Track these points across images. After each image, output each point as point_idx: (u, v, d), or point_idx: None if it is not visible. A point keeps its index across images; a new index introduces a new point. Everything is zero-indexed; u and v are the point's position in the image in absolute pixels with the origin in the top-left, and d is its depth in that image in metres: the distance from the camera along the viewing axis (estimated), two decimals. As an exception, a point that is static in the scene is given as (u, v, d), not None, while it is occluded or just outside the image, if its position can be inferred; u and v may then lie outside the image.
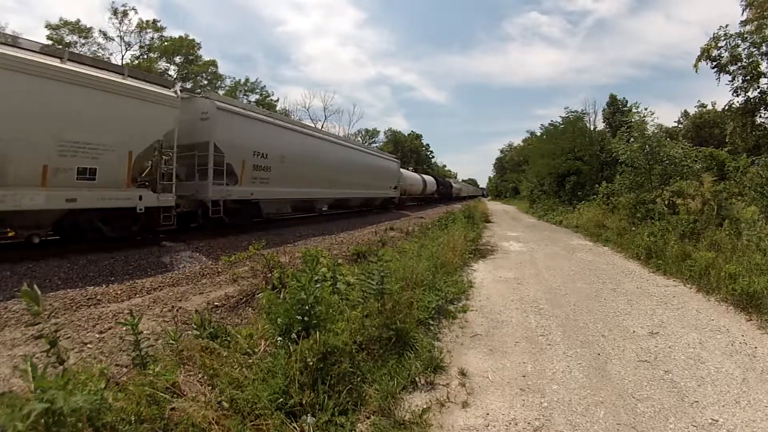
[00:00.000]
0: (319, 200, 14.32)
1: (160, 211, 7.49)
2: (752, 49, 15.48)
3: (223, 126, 8.93)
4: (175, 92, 7.75)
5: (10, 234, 7.20)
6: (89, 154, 6.16)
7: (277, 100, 41.10)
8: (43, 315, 1.85)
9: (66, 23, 28.55)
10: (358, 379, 2.64)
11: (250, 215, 10.53)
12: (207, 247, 7.70)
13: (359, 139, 52.18)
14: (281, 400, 2.26)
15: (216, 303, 4.35)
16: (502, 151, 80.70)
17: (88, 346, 3.12)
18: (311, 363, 2.44)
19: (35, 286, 1.87)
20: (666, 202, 10.67)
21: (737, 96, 16.63)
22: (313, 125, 29.44)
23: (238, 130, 9.41)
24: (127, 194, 6.86)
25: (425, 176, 34.75)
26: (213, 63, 35.85)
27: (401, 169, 26.49)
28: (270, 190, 10.68)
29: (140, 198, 7.03)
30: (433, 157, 72.27)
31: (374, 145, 56.57)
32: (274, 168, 10.58)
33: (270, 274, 4.69)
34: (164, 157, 7.62)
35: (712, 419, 2.46)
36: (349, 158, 16.18)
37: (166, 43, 32.65)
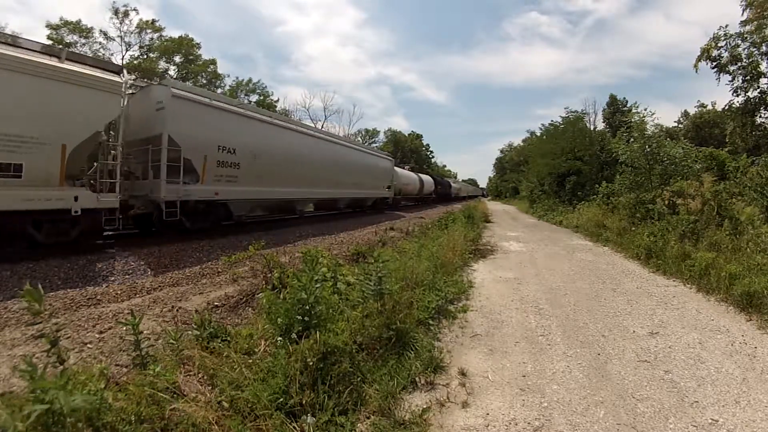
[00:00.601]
0: (300, 201, 13.00)
1: (102, 213, 6.60)
2: (752, 49, 15.50)
3: (180, 116, 7.83)
4: (121, 77, 6.82)
5: None
6: (10, 148, 5.38)
7: (277, 101, 41.09)
8: (44, 315, 1.85)
9: (66, 23, 28.55)
10: (358, 379, 2.64)
11: (218, 218, 9.48)
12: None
13: (359, 139, 52.16)
14: (281, 400, 2.26)
15: (216, 303, 4.35)
16: (502, 151, 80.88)
17: (88, 346, 3.12)
18: (311, 363, 2.44)
19: (39, 285, 1.86)
20: (666, 202, 10.67)
21: (737, 96, 16.67)
22: (313, 126, 28.88)
23: (199, 120, 8.28)
24: (60, 194, 5.98)
25: (422, 175, 33.29)
26: (212, 62, 35.84)
27: (395, 168, 25.08)
28: (240, 190, 9.54)
29: (75, 199, 6.12)
30: (433, 157, 72.36)
31: (374, 145, 56.47)
32: (244, 165, 9.46)
33: (270, 274, 4.69)
34: (112, 151, 6.72)
35: (712, 419, 2.46)
36: (335, 155, 14.70)
37: (166, 43, 32.64)
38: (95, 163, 6.70)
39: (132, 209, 8.35)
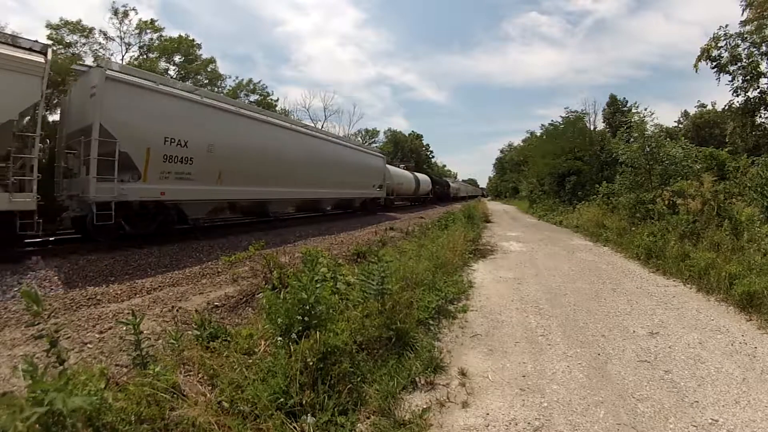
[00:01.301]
0: (274, 202, 11.51)
1: (16, 216, 5.56)
2: (752, 49, 15.48)
3: (116, 102, 6.73)
4: (46, 57, 5.95)
5: None
6: None
7: (277, 100, 41.04)
8: (43, 315, 1.85)
9: (67, 23, 28.55)
10: (358, 379, 2.64)
11: (168, 222, 8.24)
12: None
13: (359, 139, 52.06)
14: (281, 400, 2.26)
15: (216, 303, 4.35)
16: (502, 151, 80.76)
17: (88, 346, 3.12)
18: (311, 363, 2.44)
19: (35, 286, 1.86)
20: (666, 202, 10.67)
21: (737, 96, 16.64)
22: (313, 125, 28.47)
23: (140, 108, 7.14)
24: None
25: (419, 174, 31.65)
26: (211, 61, 35.80)
27: (388, 166, 23.24)
28: (194, 189, 8.23)
29: None
30: (433, 157, 72.23)
31: (374, 145, 56.35)
32: (199, 160, 8.19)
33: (270, 274, 4.69)
34: (33, 144, 5.79)
35: (712, 419, 2.46)
36: (316, 151, 13.17)
37: (165, 43, 32.63)
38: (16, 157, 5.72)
39: (68, 211, 7.49)
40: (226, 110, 9.37)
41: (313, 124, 31.29)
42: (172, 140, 7.75)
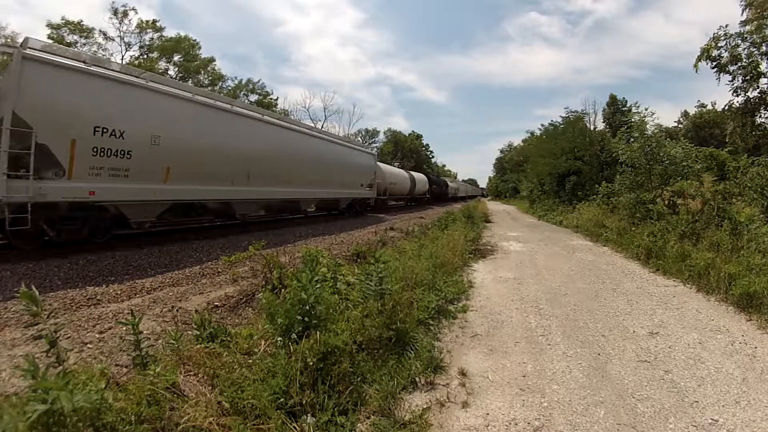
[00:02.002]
0: (240, 203, 9.98)
1: None
2: (752, 49, 15.48)
3: (34, 86, 5.82)
4: None
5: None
6: None
7: (277, 99, 41.05)
8: (42, 316, 1.85)
9: (67, 23, 28.55)
10: (358, 379, 2.64)
11: (103, 226, 7.22)
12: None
13: (359, 139, 52.06)
14: (281, 400, 2.26)
15: (216, 303, 4.35)
16: (502, 151, 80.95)
17: (88, 346, 3.12)
18: (311, 363, 2.44)
19: (33, 287, 1.86)
20: (666, 202, 10.67)
21: (737, 96, 16.64)
22: (313, 123, 27.91)
23: (65, 92, 6.15)
24: None
25: (414, 173, 30.02)
26: (211, 60, 35.82)
27: (380, 164, 21.58)
28: (134, 188, 7.03)
29: None
30: (432, 157, 72.24)
31: (374, 145, 56.34)
32: (139, 153, 7.02)
33: (270, 274, 4.69)
34: None
35: (712, 419, 2.46)
36: (291, 145, 11.76)
37: (165, 43, 32.63)
38: None
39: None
40: (176, 96, 8.01)
41: (313, 125, 31.09)
42: (105, 130, 6.57)
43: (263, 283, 4.65)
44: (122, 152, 6.87)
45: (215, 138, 8.82)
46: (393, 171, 25.33)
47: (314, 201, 14.29)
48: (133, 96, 7.13)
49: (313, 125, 21.29)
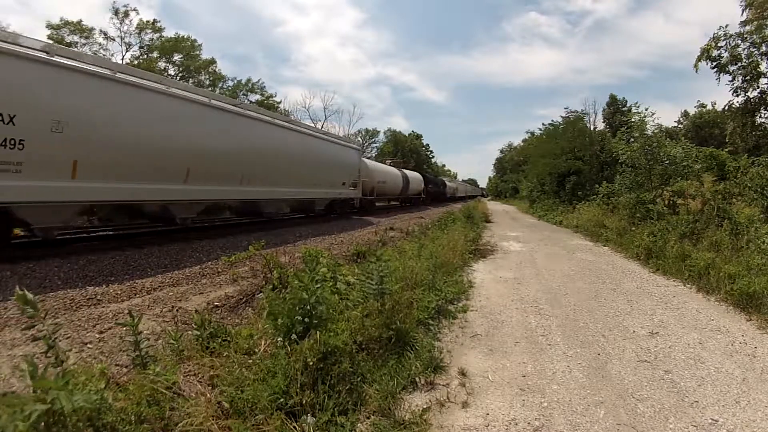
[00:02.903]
0: (175, 204, 8.06)
1: None
2: (752, 49, 15.50)
3: None
4: None
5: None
6: None
7: (280, 102, 41.08)
8: (40, 316, 1.84)
9: (67, 23, 28.57)
10: (358, 379, 2.64)
11: None
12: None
13: (359, 139, 52.02)
14: (281, 400, 2.26)
15: (216, 303, 4.35)
16: (502, 151, 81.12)
17: (88, 346, 3.12)
18: (311, 363, 2.44)
19: (25, 290, 1.84)
20: (666, 202, 10.67)
21: (737, 96, 16.67)
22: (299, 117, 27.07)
23: None
24: None
25: (408, 171, 27.92)
26: (212, 62, 35.86)
27: (366, 161, 19.90)
28: (27, 186, 5.74)
29: None
30: (433, 157, 72.36)
31: (374, 145, 56.31)
32: (35, 143, 5.68)
33: (270, 274, 4.69)
34: None
35: (712, 419, 2.46)
36: (247, 136, 9.74)
37: (166, 43, 32.65)
38: None
39: None
40: (91, 74, 6.44)
41: (313, 125, 30.87)
42: None
43: (263, 283, 4.65)
44: (12, 141, 5.44)
45: (143, 126, 7.10)
46: (382, 168, 22.84)
47: (281, 202, 11.89)
48: (29, 72, 5.72)
49: (289, 118, 18.35)
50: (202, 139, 8.46)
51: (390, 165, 27.04)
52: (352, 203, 16.72)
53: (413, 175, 28.41)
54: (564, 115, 22.70)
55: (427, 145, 68.83)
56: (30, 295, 1.81)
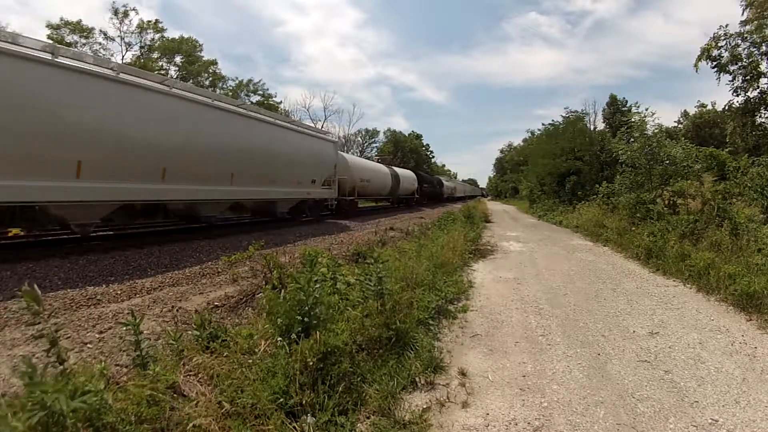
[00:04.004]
0: (66, 207, 6.30)
1: None
2: (752, 49, 15.49)
3: None
4: None
5: (11, 233, 7.23)
6: None
7: (281, 102, 41.08)
8: (43, 315, 1.85)
9: (67, 23, 28.58)
10: (358, 379, 2.64)
11: None
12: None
13: (359, 139, 51.97)
14: (281, 400, 2.26)
15: (216, 303, 4.35)
16: (502, 151, 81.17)
17: (88, 346, 3.12)
18: (311, 363, 2.44)
19: (35, 286, 1.86)
20: (666, 202, 10.67)
21: (737, 96, 16.67)
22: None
23: None
24: None
25: (399, 169, 25.65)
26: (213, 63, 35.87)
27: (345, 155, 17.52)
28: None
29: None
30: (432, 157, 72.36)
31: (374, 145, 56.27)
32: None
33: (270, 274, 4.69)
34: None
35: (712, 419, 2.46)
36: (180, 122, 7.72)
37: (166, 43, 32.66)
38: None
39: None
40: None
41: (313, 125, 30.54)
42: None
43: (263, 283, 4.65)
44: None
45: (32, 107, 5.49)
46: (365, 165, 20.33)
47: (223, 204, 9.70)
48: None
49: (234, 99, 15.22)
50: (117, 123, 6.55)
51: (378, 162, 24.94)
52: (326, 204, 14.48)
53: (405, 174, 26.15)
54: (564, 115, 22.73)
55: (427, 145, 68.88)
56: (37, 292, 1.82)
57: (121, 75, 6.79)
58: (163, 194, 7.78)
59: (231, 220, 12.13)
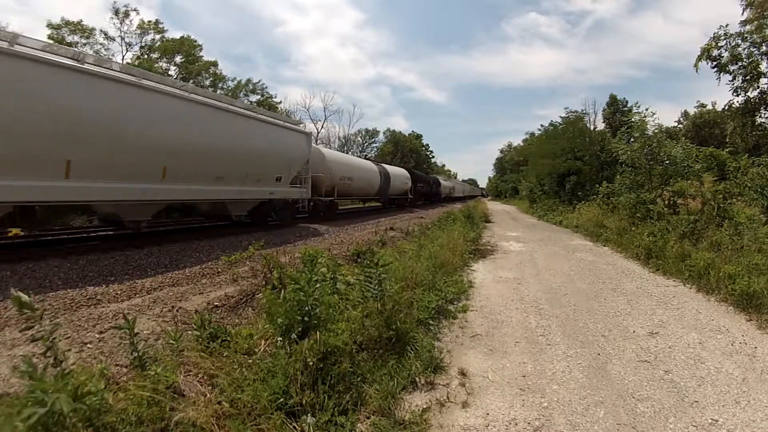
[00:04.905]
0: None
1: None
2: (752, 49, 15.50)
3: None
4: None
5: (11, 233, 7.23)
6: None
7: (281, 103, 41.02)
8: (38, 317, 1.83)
9: (67, 23, 28.56)
10: (358, 379, 2.64)
11: None
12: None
13: (359, 139, 51.88)
14: (281, 400, 2.26)
15: (216, 303, 4.35)
16: (501, 151, 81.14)
17: (88, 346, 3.12)
18: (311, 363, 2.44)
19: (20, 292, 1.83)
20: (666, 202, 10.66)
21: (737, 96, 16.68)
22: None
23: None
24: None
25: (389, 167, 23.31)
26: (214, 63, 35.84)
27: (323, 149, 15.86)
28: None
29: None
30: (432, 157, 72.33)
31: (374, 145, 56.25)
32: None
33: (270, 274, 4.69)
34: None
35: (712, 419, 2.46)
36: (103, 106, 6.32)
37: (167, 44, 32.66)
38: None
39: None
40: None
41: (313, 125, 29.94)
42: None
43: (263, 283, 4.65)
44: None
45: None
46: (347, 161, 18.07)
47: (159, 206, 7.97)
48: None
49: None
50: (17, 103, 5.31)
51: (364, 158, 22.47)
52: (297, 207, 12.34)
53: (396, 172, 23.91)
54: (564, 115, 22.72)
55: (427, 145, 68.78)
56: (26, 297, 1.81)
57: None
58: (64, 195, 6.18)
59: (169, 225, 10.08)
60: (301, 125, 13.22)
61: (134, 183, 7.02)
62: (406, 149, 59.17)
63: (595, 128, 23.38)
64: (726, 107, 18.06)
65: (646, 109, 13.32)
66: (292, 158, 11.38)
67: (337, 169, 15.43)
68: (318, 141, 44.15)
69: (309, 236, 10.11)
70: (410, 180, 26.04)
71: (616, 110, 29.14)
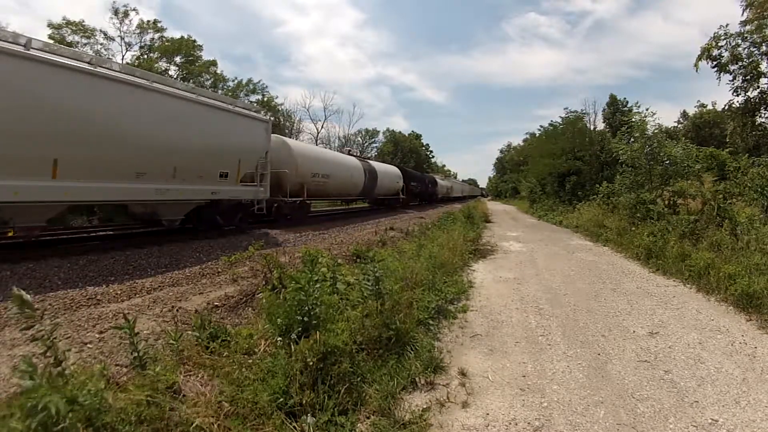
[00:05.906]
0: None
1: None
2: (752, 49, 15.51)
3: None
4: None
5: (9, 233, 7.21)
6: None
7: (282, 104, 41.03)
8: (37, 317, 1.84)
9: (68, 23, 28.57)
10: (358, 379, 2.64)
11: None
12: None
13: (359, 139, 51.81)
14: (281, 400, 2.26)
15: (216, 303, 4.35)
16: (501, 151, 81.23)
17: (88, 346, 3.12)
18: (311, 363, 2.44)
19: (21, 291, 1.84)
20: (666, 202, 10.66)
21: (737, 96, 16.70)
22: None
23: None
24: None
25: (377, 164, 20.77)
26: (213, 63, 35.85)
27: (287, 141, 12.90)
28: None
29: None
30: (432, 157, 72.36)
31: (374, 145, 56.24)
32: None
33: (270, 274, 4.69)
34: None
35: (712, 419, 2.46)
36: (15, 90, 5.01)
37: (167, 44, 32.66)
38: None
39: None
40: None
41: (313, 125, 29.84)
42: None
43: (263, 283, 4.65)
44: None
45: None
46: (321, 155, 15.12)
47: (53, 210, 6.15)
48: None
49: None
50: None
51: (347, 153, 19.89)
52: (250, 209, 10.21)
53: (385, 169, 21.07)
54: (564, 115, 22.70)
55: (427, 145, 68.84)
56: (27, 296, 1.81)
57: None
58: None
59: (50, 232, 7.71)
60: (260, 112, 10.54)
61: (17, 180, 5.32)
62: (406, 149, 59.17)
63: (595, 128, 23.38)
64: (726, 107, 18.09)
65: (647, 109, 13.32)
66: (242, 150, 9.14)
67: (307, 165, 12.83)
68: (318, 141, 44.07)
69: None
70: (402, 179, 23.33)
71: (616, 110, 29.09)
